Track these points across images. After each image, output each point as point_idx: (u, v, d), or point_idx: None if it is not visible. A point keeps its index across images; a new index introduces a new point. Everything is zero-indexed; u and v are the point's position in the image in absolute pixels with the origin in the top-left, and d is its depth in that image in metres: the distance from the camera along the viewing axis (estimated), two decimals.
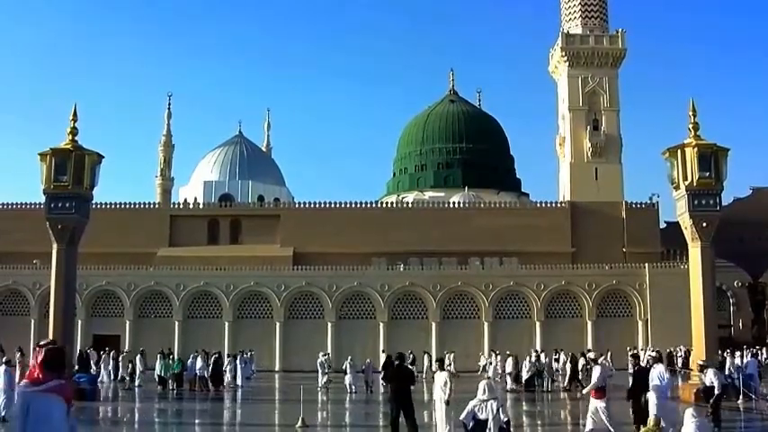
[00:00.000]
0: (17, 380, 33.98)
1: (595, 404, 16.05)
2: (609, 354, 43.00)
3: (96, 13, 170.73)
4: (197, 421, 25.28)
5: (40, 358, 6.77)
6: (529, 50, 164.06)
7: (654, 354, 28.15)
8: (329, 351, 48.78)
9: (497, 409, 13.31)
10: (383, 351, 36.57)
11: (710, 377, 19.71)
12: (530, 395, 31.89)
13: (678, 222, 30.03)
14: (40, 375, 6.73)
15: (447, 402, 15.34)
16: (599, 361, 20.32)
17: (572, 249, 61.73)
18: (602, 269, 55.11)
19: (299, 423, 19.26)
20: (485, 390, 13.59)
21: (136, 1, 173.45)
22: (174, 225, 63.48)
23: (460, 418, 13.91)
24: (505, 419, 13.79)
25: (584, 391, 18.24)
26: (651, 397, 16.57)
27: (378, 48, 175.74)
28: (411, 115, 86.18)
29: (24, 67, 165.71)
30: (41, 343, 7.08)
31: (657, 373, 16.82)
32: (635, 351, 27.80)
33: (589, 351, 42.58)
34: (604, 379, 16.46)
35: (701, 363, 22.02)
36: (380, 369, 31.91)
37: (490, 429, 13.23)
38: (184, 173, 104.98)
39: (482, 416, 13.31)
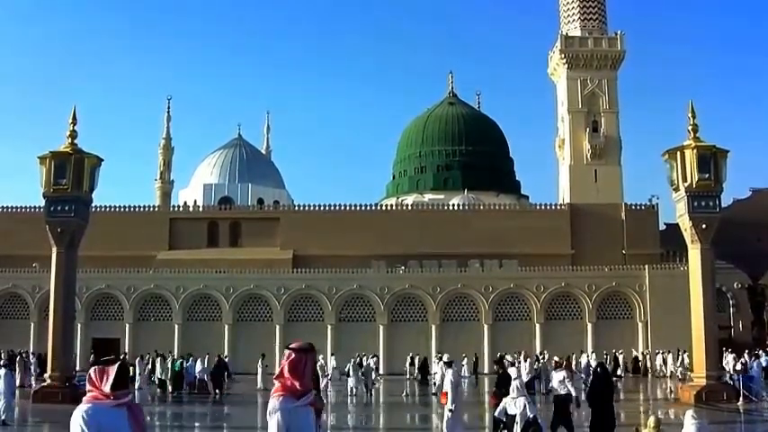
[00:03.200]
0: (13, 382, 33.94)
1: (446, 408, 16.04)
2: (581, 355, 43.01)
3: (95, 16, 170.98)
4: (197, 424, 25.27)
5: (301, 368, 5.77)
6: (528, 53, 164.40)
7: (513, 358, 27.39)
8: (328, 354, 48.80)
9: (524, 406, 14.68)
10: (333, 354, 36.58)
11: (565, 381, 17.93)
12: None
13: (678, 224, 30.08)
14: (301, 387, 5.75)
15: None
16: (452, 364, 18.81)
17: (572, 251, 61.70)
18: (601, 271, 55.08)
19: None
20: (516, 389, 15.01)
21: (135, 4, 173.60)
22: (173, 228, 63.43)
23: (495, 413, 15.73)
24: (532, 415, 14.88)
25: (446, 404, 18.40)
26: (506, 400, 16.68)
27: (377, 50, 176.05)
28: (410, 118, 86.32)
29: (24, 69, 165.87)
30: (292, 346, 5.91)
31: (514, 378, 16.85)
32: (499, 355, 26.72)
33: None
34: (451, 383, 16.24)
35: (556, 360, 19.98)
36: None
37: (518, 423, 14.82)
38: (184, 176, 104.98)
39: (512, 411, 14.91)
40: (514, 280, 54.65)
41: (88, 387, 5.36)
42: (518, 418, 14.73)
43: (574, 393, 17.34)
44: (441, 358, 39.40)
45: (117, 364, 5.35)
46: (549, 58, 72.58)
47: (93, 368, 5.40)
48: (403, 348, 49.50)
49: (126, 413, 5.32)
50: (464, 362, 46.42)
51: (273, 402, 5.75)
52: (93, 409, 5.24)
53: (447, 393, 16.09)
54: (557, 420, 16.80)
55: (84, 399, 5.35)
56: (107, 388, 5.26)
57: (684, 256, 33.53)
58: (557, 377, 17.92)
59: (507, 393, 17.04)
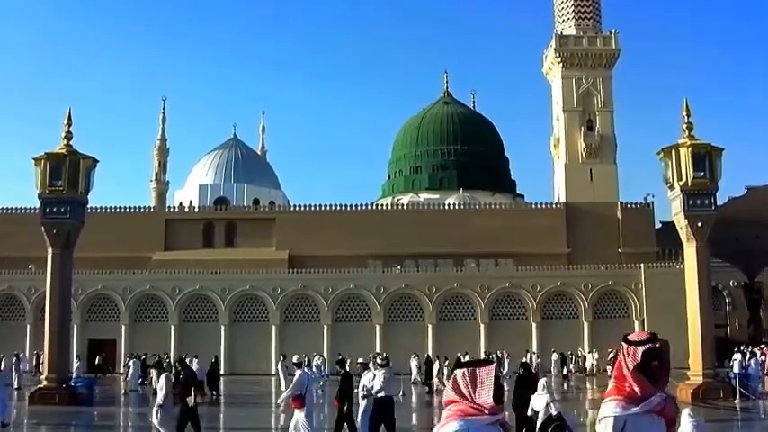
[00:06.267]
0: (14, 384, 33.86)
1: (296, 416, 15.55)
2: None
3: (91, 17, 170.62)
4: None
5: (630, 363, 4.29)
6: (523, 52, 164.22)
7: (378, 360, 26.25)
8: (324, 354, 48.79)
9: (546, 403, 15.22)
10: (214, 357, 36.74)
11: (378, 383, 16.36)
12: None
13: (673, 222, 30.09)
14: (638, 389, 4.26)
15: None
16: (302, 365, 16.99)
17: (567, 250, 61.77)
18: (597, 270, 55.10)
19: None
20: (543, 386, 15.47)
21: (131, 5, 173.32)
22: (169, 229, 63.35)
23: (528, 413, 16.02)
24: (556, 412, 15.33)
25: (280, 400, 18.31)
26: (361, 403, 16.42)
27: (372, 50, 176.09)
28: (405, 117, 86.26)
29: (20, 70, 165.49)
30: (630, 338, 4.38)
31: (367, 380, 16.49)
32: (341, 357, 25.78)
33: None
34: (302, 386, 15.64)
35: (380, 362, 17.36)
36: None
37: (540, 419, 15.43)
38: (179, 176, 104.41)
39: (536, 408, 15.53)
40: (510, 279, 54.68)
41: (452, 396, 4.16)
42: (541, 414, 15.13)
43: (385, 392, 16.19)
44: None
45: (492, 367, 4.17)
46: (544, 57, 72.63)
47: (459, 372, 4.18)
48: (399, 348, 49.42)
49: None
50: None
51: (603, 408, 4.43)
52: (467, 428, 4.04)
53: (296, 398, 15.70)
54: (376, 423, 16.01)
55: (447, 414, 4.15)
56: (486, 399, 4.06)
57: (680, 255, 33.60)
58: (379, 377, 16.37)
59: (350, 395, 16.71)
